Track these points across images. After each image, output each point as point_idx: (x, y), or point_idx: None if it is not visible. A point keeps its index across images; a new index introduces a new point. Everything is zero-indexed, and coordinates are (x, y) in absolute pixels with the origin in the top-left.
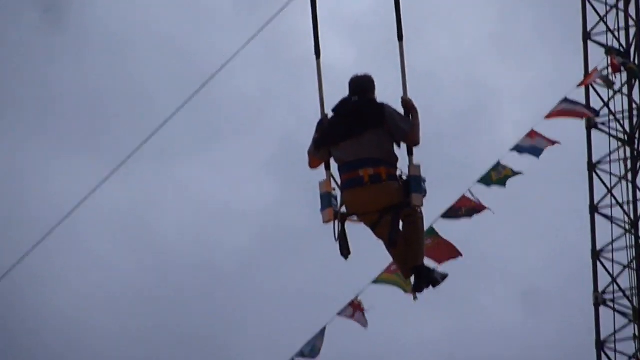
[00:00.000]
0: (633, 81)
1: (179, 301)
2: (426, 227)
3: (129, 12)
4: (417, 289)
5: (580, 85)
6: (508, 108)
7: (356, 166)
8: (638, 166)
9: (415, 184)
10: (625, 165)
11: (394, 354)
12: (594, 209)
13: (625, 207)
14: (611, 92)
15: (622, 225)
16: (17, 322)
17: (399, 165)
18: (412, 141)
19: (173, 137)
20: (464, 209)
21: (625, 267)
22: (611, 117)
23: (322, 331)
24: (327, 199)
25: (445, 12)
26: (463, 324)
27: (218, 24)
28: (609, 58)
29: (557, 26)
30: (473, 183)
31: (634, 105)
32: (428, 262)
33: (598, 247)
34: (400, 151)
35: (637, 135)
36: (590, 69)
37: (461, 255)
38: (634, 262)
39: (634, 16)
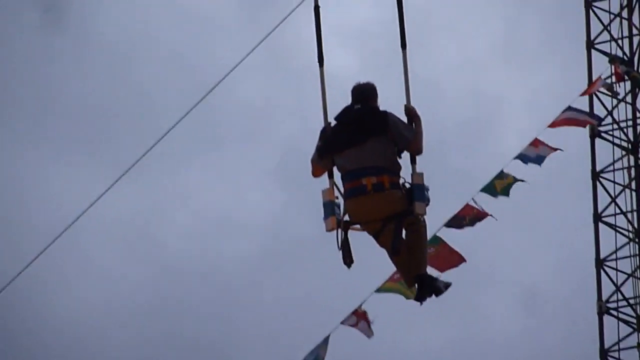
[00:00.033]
0: (637, 90)
1: (183, 309)
2: (429, 235)
3: (132, 20)
4: (420, 298)
5: (583, 94)
6: (512, 117)
7: (359, 174)
8: None
9: (418, 192)
10: (629, 174)
11: None
12: (597, 217)
13: (629, 216)
14: (615, 101)
15: (626, 233)
16: (20, 331)
17: (402, 173)
18: (415, 149)
19: (177, 146)
20: (468, 218)
21: (629, 275)
22: (615, 125)
23: (326, 340)
24: (330, 207)
25: (449, 21)
26: (467, 332)
27: (222, 32)
28: (613, 67)
29: (560, 35)
30: (476, 192)
31: (638, 114)
32: (431, 271)
33: (602, 256)
34: (403, 159)
35: None
36: (594, 78)
37: (465, 261)
38: (638, 270)
39: (637, 25)
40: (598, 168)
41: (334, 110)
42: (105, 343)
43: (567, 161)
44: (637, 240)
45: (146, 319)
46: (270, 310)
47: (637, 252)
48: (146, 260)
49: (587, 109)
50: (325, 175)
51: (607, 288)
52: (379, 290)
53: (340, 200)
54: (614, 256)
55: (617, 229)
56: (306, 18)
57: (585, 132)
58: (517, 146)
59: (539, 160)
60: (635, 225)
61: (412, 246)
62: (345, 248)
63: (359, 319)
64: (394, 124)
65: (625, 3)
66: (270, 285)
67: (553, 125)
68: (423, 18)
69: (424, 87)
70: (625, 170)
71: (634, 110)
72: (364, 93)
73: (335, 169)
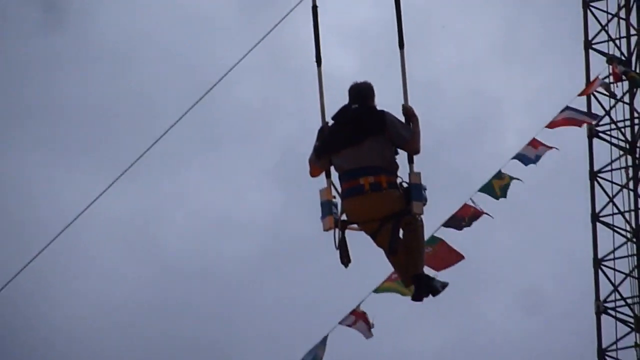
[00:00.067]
0: (634, 90)
1: (182, 309)
2: (427, 235)
3: (131, 22)
4: (417, 297)
5: (581, 94)
6: (510, 117)
7: (357, 174)
8: (639, 174)
9: (415, 191)
10: (627, 174)
11: None
12: (595, 217)
13: (627, 216)
14: (612, 101)
15: (624, 233)
16: (20, 331)
17: (399, 173)
18: (413, 149)
19: (176, 146)
20: (467, 218)
21: (626, 275)
22: (612, 125)
23: (324, 340)
24: (327, 207)
25: (448, 21)
26: (465, 332)
27: (220, 32)
28: (611, 67)
29: (558, 35)
30: (474, 192)
31: (636, 114)
32: (428, 270)
33: (599, 256)
34: (401, 159)
35: (638, 144)
36: (592, 78)
37: (463, 258)
38: (636, 270)
39: (635, 25)
40: (596, 168)
41: (333, 110)
42: (105, 343)
43: (565, 161)
44: (634, 240)
45: (146, 319)
46: (268, 310)
47: (635, 252)
48: (146, 260)
49: (585, 109)
50: (323, 175)
51: (605, 288)
52: (376, 290)
53: (338, 200)
54: (611, 256)
55: (615, 228)
56: (305, 18)
57: (583, 132)
58: (515, 146)
59: (537, 160)
60: (633, 225)
61: (409, 246)
62: (342, 248)
63: (357, 318)
64: (391, 124)
65: (622, 3)
66: (269, 285)
67: (551, 125)
68: (423, 19)
69: (423, 87)
70: (623, 170)
71: (632, 110)
72: (362, 92)
73: (332, 169)
